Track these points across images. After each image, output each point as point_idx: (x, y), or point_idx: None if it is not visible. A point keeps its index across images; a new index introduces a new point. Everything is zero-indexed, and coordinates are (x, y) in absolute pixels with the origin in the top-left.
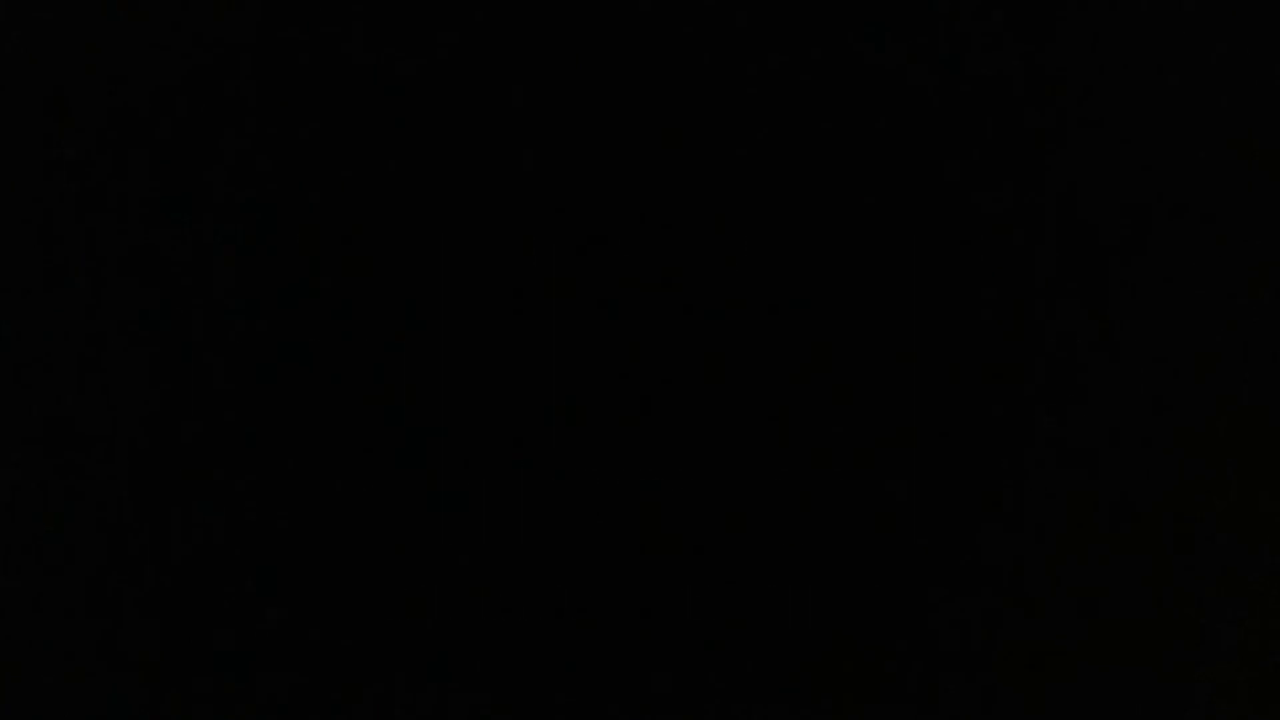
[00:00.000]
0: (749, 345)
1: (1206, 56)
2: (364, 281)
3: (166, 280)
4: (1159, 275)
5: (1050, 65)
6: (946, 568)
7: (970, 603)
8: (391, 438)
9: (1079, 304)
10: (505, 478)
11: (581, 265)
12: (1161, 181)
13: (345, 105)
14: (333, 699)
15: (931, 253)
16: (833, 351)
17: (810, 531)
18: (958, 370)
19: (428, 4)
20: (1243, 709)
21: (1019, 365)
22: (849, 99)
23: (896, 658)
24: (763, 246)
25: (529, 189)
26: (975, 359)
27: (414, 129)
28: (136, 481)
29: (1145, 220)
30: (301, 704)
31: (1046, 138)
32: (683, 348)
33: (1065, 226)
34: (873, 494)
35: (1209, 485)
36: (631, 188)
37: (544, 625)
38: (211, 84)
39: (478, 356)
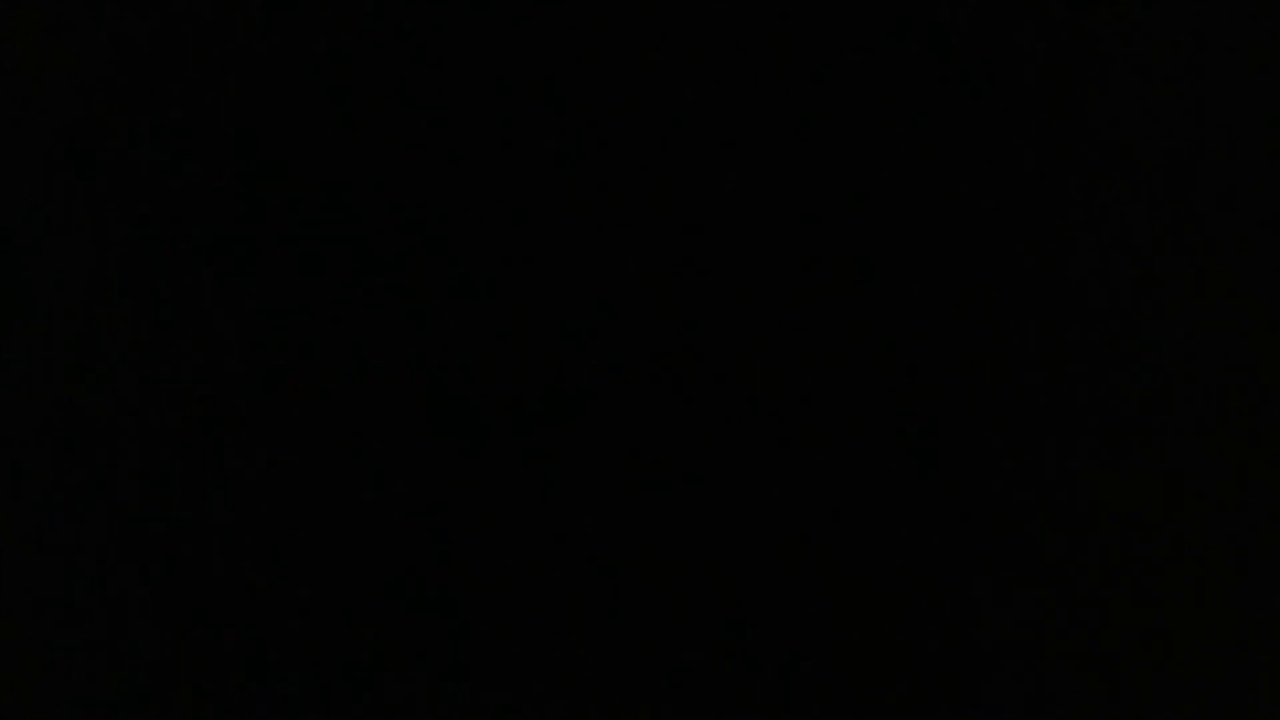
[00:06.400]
0: (755, 345)
1: (1207, 56)
2: (363, 280)
3: (167, 280)
4: (1162, 272)
5: (1054, 64)
6: (947, 568)
7: (970, 603)
8: (391, 436)
9: (1082, 304)
10: (504, 478)
11: (582, 264)
12: (1164, 177)
13: (345, 105)
14: (332, 699)
15: (932, 251)
16: (835, 350)
17: (811, 531)
18: (960, 369)
19: (428, 4)
20: (1242, 709)
21: (1021, 364)
22: (849, 98)
23: (896, 659)
24: (763, 243)
25: (527, 189)
26: (978, 358)
27: (414, 129)
28: (136, 480)
29: (1148, 215)
30: (301, 704)
31: (1047, 137)
32: (685, 346)
33: (1065, 221)
34: (874, 493)
35: (1210, 485)
36: (631, 187)
37: (550, 627)
38: (212, 83)
39: (477, 357)
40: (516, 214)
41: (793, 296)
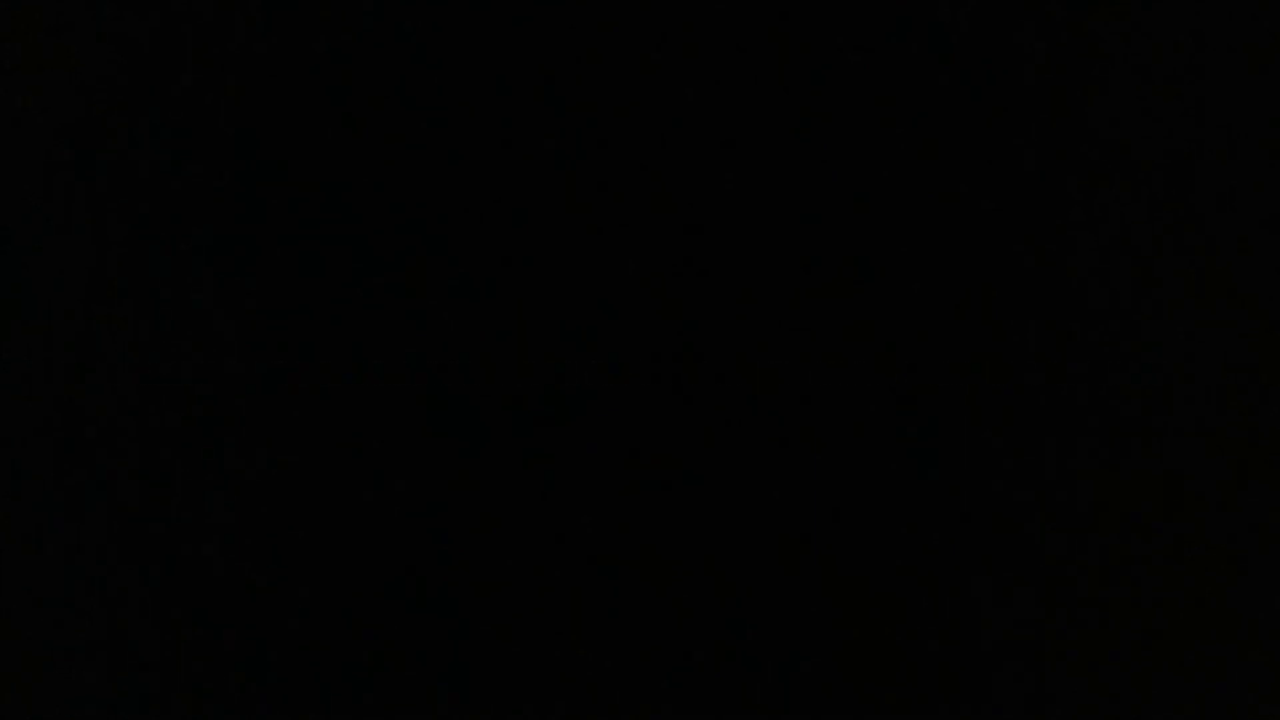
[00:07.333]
0: (755, 345)
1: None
2: (363, 280)
3: (167, 280)
4: (1165, 272)
5: (1059, 63)
6: (947, 568)
7: (970, 603)
8: (391, 436)
9: (1084, 304)
10: (504, 478)
11: (582, 264)
12: (1164, 177)
13: (345, 105)
14: (332, 699)
15: (932, 251)
16: (835, 350)
17: (811, 531)
18: (960, 369)
19: (427, 4)
20: (1242, 709)
21: (1021, 364)
22: (849, 98)
23: (896, 659)
24: (763, 243)
25: (527, 189)
26: (978, 358)
27: (414, 129)
28: (136, 480)
29: (1152, 215)
30: (301, 704)
31: (1049, 137)
32: (685, 346)
33: (1065, 220)
34: (874, 493)
35: (1210, 485)
36: (631, 187)
37: (550, 627)
38: (212, 83)
39: (477, 357)
40: (516, 214)
41: (793, 296)
